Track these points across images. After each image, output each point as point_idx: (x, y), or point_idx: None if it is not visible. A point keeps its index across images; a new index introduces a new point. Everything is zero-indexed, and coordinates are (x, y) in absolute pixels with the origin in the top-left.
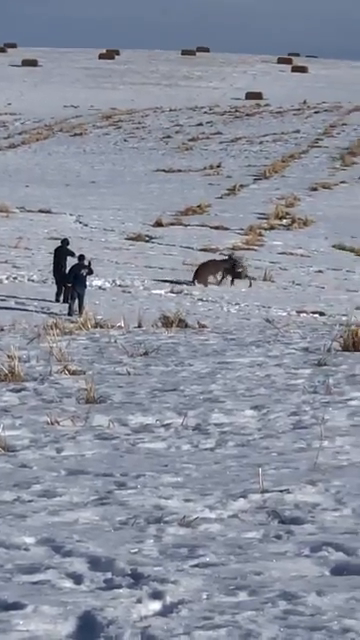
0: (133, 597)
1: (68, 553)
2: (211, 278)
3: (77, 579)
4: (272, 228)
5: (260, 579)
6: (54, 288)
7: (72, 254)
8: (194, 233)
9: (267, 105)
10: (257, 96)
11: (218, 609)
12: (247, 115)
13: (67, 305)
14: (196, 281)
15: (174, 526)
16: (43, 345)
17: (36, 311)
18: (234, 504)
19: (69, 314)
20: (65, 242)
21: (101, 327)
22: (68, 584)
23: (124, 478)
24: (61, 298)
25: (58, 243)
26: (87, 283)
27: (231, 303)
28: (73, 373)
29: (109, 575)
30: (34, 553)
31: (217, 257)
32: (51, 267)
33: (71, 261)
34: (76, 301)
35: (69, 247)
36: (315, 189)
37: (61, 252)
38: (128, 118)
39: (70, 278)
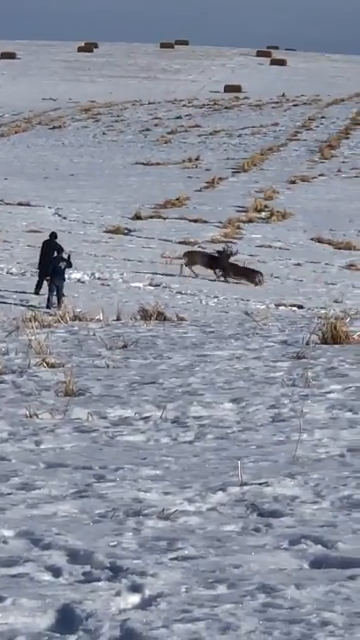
0: (112, 590)
1: (47, 546)
2: (197, 268)
3: (56, 572)
4: (251, 221)
5: (239, 572)
6: (34, 280)
7: (61, 249)
8: (173, 226)
9: (246, 98)
10: (236, 89)
11: (197, 602)
12: (226, 108)
13: (46, 297)
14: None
15: (153, 519)
16: (22, 338)
17: (15, 304)
18: (213, 497)
19: (47, 307)
20: (53, 236)
21: (80, 320)
22: (47, 577)
23: (103, 471)
24: (40, 291)
25: (44, 236)
26: (66, 276)
27: (210, 296)
28: (52, 366)
29: (88, 568)
30: (13, 546)
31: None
32: (35, 260)
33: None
34: (54, 294)
35: (57, 241)
36: (294, 182)
37: (49, 246)
38: (107, 111)
39: (49, 271)
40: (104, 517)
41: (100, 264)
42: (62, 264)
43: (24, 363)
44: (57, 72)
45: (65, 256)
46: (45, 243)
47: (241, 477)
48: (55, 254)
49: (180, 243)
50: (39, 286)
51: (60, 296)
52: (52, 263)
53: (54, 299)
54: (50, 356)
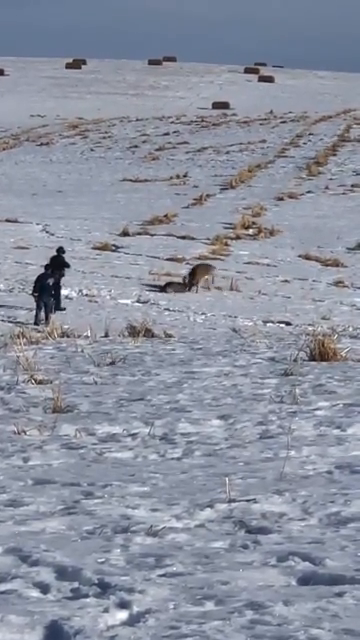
0: (100, 607)
1: (35, 563)
2: (203, 281)
3: (44, 589)
4: (238, 238)
5: (227, 589)
6: (21, 297)
7: (67, 265)
8: (160, 243)
9: (234, 115)
10: (224, 106)
11: (185, 619)
12: (214, 125)
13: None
14: (193, 282)
15: (141, 536)
16: (10, 354)
17: (2, 320)
18: (201, 514)
19: (35, 323)
20: (61, 250)
21: (68, 336)
22: (35, 594)
23: (91, 488)
24: (59, 306)
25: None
26: (53, 292)
27: (197, 313)
28: (40, 382)
29: (76, 585)
30: (0, 563)
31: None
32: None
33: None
34: (42, 310)
35: (64, 256)
36: (281, 199)
37: (57, 262)
38: (95, 128)
39: (36, 288)
40: (92, 534)
41: (88, 281)
42: (50, 281)
43: (12, 380)
44: (45, 89)
45: (52, 272)
46: (52, 259)
47: (229, 494)
48: (63, 270)
49: (168, 260)
50: (58, 301)
51: (48, 313)
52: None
53: (42, 315)
54: (38, 373)
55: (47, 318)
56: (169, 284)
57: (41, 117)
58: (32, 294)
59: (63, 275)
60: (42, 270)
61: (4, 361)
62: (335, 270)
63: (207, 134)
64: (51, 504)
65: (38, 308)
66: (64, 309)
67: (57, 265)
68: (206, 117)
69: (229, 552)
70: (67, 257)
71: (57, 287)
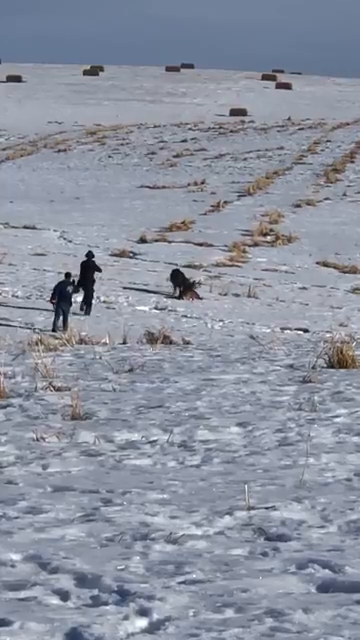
0: (120, 614)
1: (54, 570)
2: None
3: (64, 596)
4: (256, 245)
5: (246, 596)
6: (39, 304)
7: (99, 269)
8: (178, 249)
9: (251, 122)
10: (241, 112)
11: (205, 626)
12: (231, 132)
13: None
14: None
15: (160, 543)
16: (28, 361)
17: (20, 327)
18: (220, 521)
19: (53, 330)
20: (90, 255)
21: (86, 343)
22: (55, 601)
23: (110, 495)
24: (89, 310)
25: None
26: (72, 300)
27: (215, 320)
28: (58, 389)
29: (96, 592)
30: (20, 570)
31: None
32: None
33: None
34: (60, 317)
35: (94, 260)
36: (299, 206)
37: (87, 266)
38: (112, 134)
39: (54, 295)
40: (111, 541)
41: (106, 287)
42: (69, 288)
43: (31, 387)
44: (63, 95)
45: (72, 280)
46: (83, 264)
47: (248, 501)
48: (94, 273)
49: (185, 267)
50: (89, 306)
51: (66, 320)
52: (90, 281)
53: (59, 323)
54: (56, 380)
55: (65, 325)
56: (185, 291)
57: (59, 124)
58: (50, 301)
59: (94, 281)
60: (60, 277)
61: (23, 368)
62: (353, 277)
63: (224, 141)
64: (70, 511)
65: (56, 315)
66: (87, 313)
67: (88, 270)
68: (224, 124)
69: (248, 559)
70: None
71: (89, 293)
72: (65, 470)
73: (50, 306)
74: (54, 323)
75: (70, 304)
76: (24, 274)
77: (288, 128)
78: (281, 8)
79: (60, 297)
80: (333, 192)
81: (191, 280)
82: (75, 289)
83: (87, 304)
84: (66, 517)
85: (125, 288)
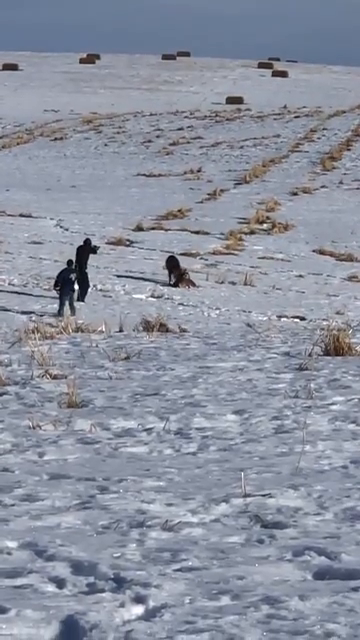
0: (116, 601)
1: (51, 557)
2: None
3: (60, 583)
4: (252, 233)
5: (243, 583)
6: (36, 291)
7: (94, 250)
8: (174, 237)
9: (248, 110)
10: (238, 101)
11: (201, 613)
12: (227, 120)
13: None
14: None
15: (156, 530)
16: (24, 349)
17: (17, 314)
18: (216, 508)
19: (59, 314)
20: (88, 242)
21: (82, 331)
22: (51, 588)
23: (106, 482)
24: (84, 296)
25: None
26: (75, 286)
27: (212, 308)
28: (55, 377)
29: (92, 579)
30: (17, 557)
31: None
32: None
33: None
34: (66, 304)
35: (92, 245)
36: (295, 194)
37: (83, 249)
38: (109, 122)
39: (57, 282)
40: (107, 528)
41: (102, 275)
42: (72, 275)
43: (27, 374)
44: (59, 84)
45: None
46: (79, 249)
47: (244, 488)
48: (89, 258)
49: (182, 255)
50: (84, 291)
51: (72, 305)
52: (85, 267)
53: (65, 309)
54: (53, 368)
55: (72, 311)
56: (180, 279)
57: (55, 112)
58: (54, 288)
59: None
60: (58, 265)
61: (19, 356)
62: (349, 265)
63: (221, 129)
64: (66, 499)
65: (61, 303)
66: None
67: (83, 252)
68: (220, 112)
69: (245, 547)
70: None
71: (84, 277)
72: (61, 458)
73: (47, 294)
74: (59, 310)
75: (73, 290)
76: (20, 262)
77: (284, 116)
78: None
79: (63, 284)
80: (329, 180)
81: (183, 269)
82: (75, 275)
83: (82, 289)
84: (62, 505)
85: (121, 276)
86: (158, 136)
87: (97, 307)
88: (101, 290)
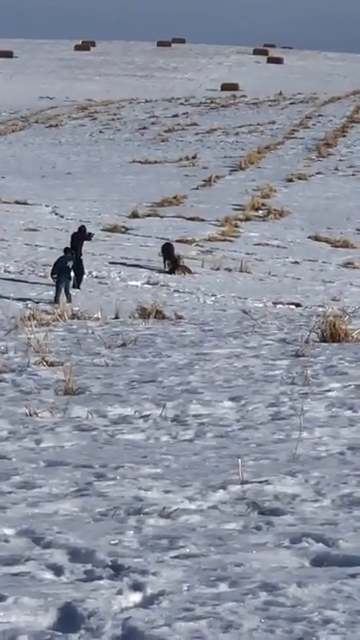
0: (114, 588)
1: (48, 544)
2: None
3: (57, 571)
4: (248, 219)
5: (240, 570)
6: (32, 278)
7: (88, 237)
8: (170, 224)
9: (243, 96)
10: (233, 87)
11: (199, 600)
12: (223, 106)
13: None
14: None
15: (154, 517)
16: (21, 336)
17: (13, 301)
18: (214, 495)
19: (55, 301)
20: (82, 228)
21: (78, 318)
22: (48, 575)
23: (103, 469)
24: (79, 283)
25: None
26: (71, 274)
27: (207, 294)
28: (51, 364)
29: (89, 567)
30: (14, 545)
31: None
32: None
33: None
34: (62, 291)
35: (87, 232)
36: (291, 180)
37: (77, 236)
38: (104, 109)
39: (55, 270)
40: (105, 516)
41: (97, 262)
42: (69, 263)
43: (23, 362)
44: (54, 71)
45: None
46: (73, 234)
47: (241, 475)
48: (83, 244)
49: (177, 241)
50: (79, 278)
51: (68, 292)
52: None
53: (61, 296)
54: (49, 355)
55: (68, 298)
56: (176, 266)
57: (50, 99)
58: (51, 276)
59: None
60: (54, 252)
61: (15, 343)
62: (345, 251)
63: (216, 115)
64: (63, 486)
65: (57, 290)
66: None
67: (77, 239)
68: (215, 98)
69: (242, 534)
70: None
71: (79, 264)
72: (58, 445)
73: (43, 281)
74: (55, 297)
75: (70, 278)
76: (16, 249)
77: (280, 102)
78: None
79: (60, 272)
80: (325, 166)
81: (177, 256)
82: (72, 262)
83: (77, 276)
84: (59, 492)
85: (117, 263)
86: (153, 123)
87: (93, 294)
88: (97, 277)
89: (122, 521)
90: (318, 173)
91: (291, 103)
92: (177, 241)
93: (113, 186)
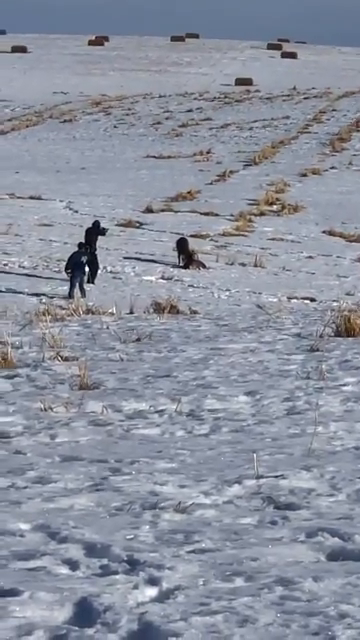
0: (129, 583)
1: (64, 539)
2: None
3: (73, 565)
4: (262, 214)
5: (256, 565)
6: (46, 273)
7: (102, 232)
8: (184, 219)
9: (257, 91)
10: (247, 82)
11: (215, 595)
12: (237, 101)
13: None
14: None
15: (169, 512)
16: (35, 331)
17: (27, 296)
18: (229, 490)
19: (70, 296)
20: (96, 224)
21: (93, 313)
22: (64, 570)
23: (118, 464)
24: (93, 278)
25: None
26: (85, 269)
27: (222, 289)
28: (66, 359)
29: (105, 561)
30: (30, 539)
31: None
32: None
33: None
34: (77, 286)
35: (101, 227)
36: (305, 175)
37: (91, 231)
38: (118, 104)
39: (69, 265)
40: (120, 510)
41: (112, 257)
42: (84, 258)
43: (38, 357)
44: (68, 66)
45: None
46: (88, 229)
47: (257, 470)
48: (97, 240)
49: (192, 236)
50: (94, 274)
51: (82, 288)
52: (93, 249)
53: (75, 292)
54: (64, 350)
55: (83, 293)
56: (190, 261)
57: (64, 94)
58: (65, 272)
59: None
60: (68, 248)
61: (30, 338)
62: (359, 246)
63: (230, 110)
64: (79, 481)
65: (72, 285)
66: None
67: (91, 234)
68: (229, 93)
69: (258, 528)
70: (91, 234)
71: (94, 259)
72: (73, 440)
73: (57, 276)
74: (69, 293)
75: (84, 273)
76: (30, 244)
77: (294, 97)
78: None
79: (75, 267)
80: (339, 161)
81: (191, 251)
82: (87, 257)
83: (91, 271)
84: (75, 487)
85: (131, 258)
86: (167, 118)
87: (107, 289)
88: (111, 272)
89: (137, 516)
90: (332, 168)
91: (305, 98)
92: (191, 236)
93: (127, 181)
